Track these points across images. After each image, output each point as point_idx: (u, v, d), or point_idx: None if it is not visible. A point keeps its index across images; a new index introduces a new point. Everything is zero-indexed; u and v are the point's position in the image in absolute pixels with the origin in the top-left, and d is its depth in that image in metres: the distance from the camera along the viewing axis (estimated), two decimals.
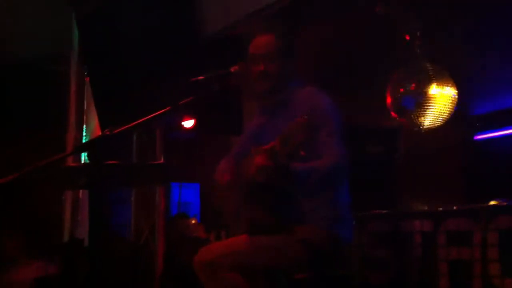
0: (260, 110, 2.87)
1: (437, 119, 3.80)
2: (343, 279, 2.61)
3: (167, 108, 2.78)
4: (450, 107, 3.82)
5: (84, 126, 5.00)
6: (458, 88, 3.91)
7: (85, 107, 5.03)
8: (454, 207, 3.16)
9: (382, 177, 4.21)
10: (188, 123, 5.80)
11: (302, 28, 3.69)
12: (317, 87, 2.69)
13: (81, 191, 4.69)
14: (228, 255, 2.53)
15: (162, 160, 4.36)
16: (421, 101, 3.76)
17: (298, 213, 2.54)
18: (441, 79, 3.80)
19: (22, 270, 3.86)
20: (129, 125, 2.79)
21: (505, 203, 3.10)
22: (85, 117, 5.01)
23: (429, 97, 3.76)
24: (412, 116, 3.79)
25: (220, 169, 2.86)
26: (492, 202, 3.28)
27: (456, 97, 3.83)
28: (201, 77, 2.75)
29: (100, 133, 4.79)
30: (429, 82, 3.77)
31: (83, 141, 4.93)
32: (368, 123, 4.40)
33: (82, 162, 4.27)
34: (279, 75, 2.69)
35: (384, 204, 3.73)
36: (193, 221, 5.39)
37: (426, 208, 3.58)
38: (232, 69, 2.72)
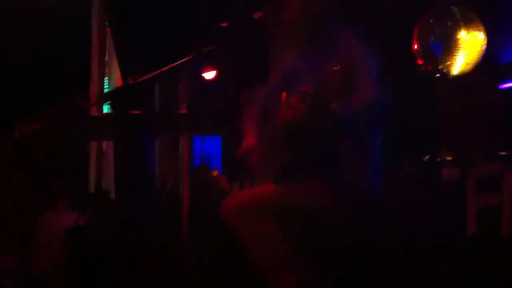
0: (294, 52, 2.81)
1: (466, 65, 3.71)
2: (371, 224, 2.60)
3: (190, 56, 2.74)
4: (479, 52, 3.73)
5: (107, 78, 4.98)
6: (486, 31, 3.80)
7: (107, 59, 5.01)
8: (483, 154, 3.12)
9: (413, 124, 4.14)
10: (209, 75, 5.77)
11: None
12: (351, 32, 2.63)
13: (104, 142, 4.70)
14: (256, 202, 2.52)
15: (185, 109, 4.34)
16: (449, 47, 3.67)
17: (329, 159, 2.51)
18: (470, 24, 3.69)
19: (53, 219, 3.91)
20: (152, 74, 2.77)
21: None
22: (107, 70, 5.00)
23: (457, 43, 3.66)
24: (440, 63, 3.70)
25: (246, 119, 2.83)
26: None
27: (485, 42, 3.73)
28: (224, 24, 2.70)
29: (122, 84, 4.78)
30: (457, 27, 3.66)
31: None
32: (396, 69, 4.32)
33: (105, 113, 4.26)
34: (315, 21, 2.62)
35: (413, 151, 3.70)
36: (215, 173, 5.41)
37: (454, 155, 3.53)
38: (256, 15, 2.67)
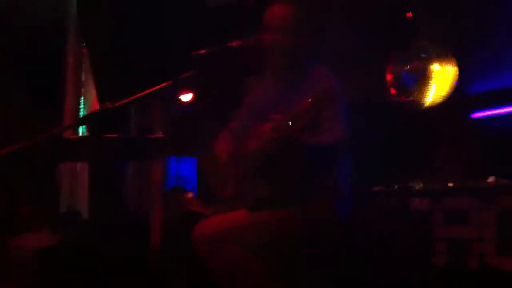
0: (267, 83, 2.86)
1: (438, 97, 3.80)
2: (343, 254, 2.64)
3: (168, 82, 2.77)
4: (451, 84, 3.83)
5: (82, 98, 4.97)
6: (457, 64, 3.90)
7: (83, 79, 5.00)
8: (451, 185, 3.19)
9: (383, 153, 4.21)
10: (186, 97, 5.80)
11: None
12: (326, 67, 2.69)
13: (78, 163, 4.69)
14: (228, 229, 2.54)
15: (160, 134, 4.36)
16: (421, 79, 3.76)
17: (300, 188, 2.56)
18: (442, 57, 3.79)
19: (25, 239, 3.87)
20: (130, 99, 2.78)
21: (505, 182, 3.12)
22: (82, 89, 4.98)
23: (429, 75, 3.76)
24: (413, 94, 3.79)
25: (219, 143, 2.86)
26: (490, 180, 3.29)
27: (457, 74, 3.83)
28: (202, 51, 2.74)
29: (97, 106, 4.78)
30: (430, 59, 3.76)
31: (80, 113, 4.91)
32: (369, 99, 4.40)
33: (80, 134, 4.25)
34: (293, 49, 2.67)
35: (383, 181, 3.75)
36: (189, 195, 5.39)
37: (422, 185, 3.59)
38: (234, 44, 2.71)
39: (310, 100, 2.14)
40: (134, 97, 2.78)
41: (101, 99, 4.53)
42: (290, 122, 2.19)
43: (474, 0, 4.08)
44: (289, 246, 2.54)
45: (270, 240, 2.51)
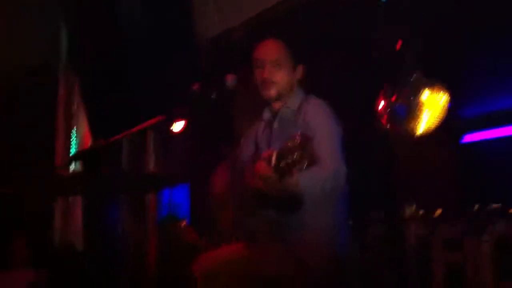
0: (263, 117, 2.85)
1: (430, 125, 3.81)
2: None
3: (161, 117, 2.77)
4: (442, 113, 3.84)
5: (74, 131, 4.95)
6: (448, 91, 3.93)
7: (74, 112, 4.98)
8: (447, 212, 3.20)
9: (374, 180, 4.22)
10: (178, 126, 5.79)
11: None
12: (321, 98, 2.69)
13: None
14: (226, 264, 2.54)
15: (152, 166, 4.37)
16: (412, 108, 3.77)
17: (295, 222, 2.55)
18: (433, 85, 3.81)
19: (15, 275, 3.84)
20: (123, 134, 2.78)
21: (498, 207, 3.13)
22: (73, 122, 4.96)
23: (420, 104, 3.77)
24: (404, 123, 3.79)
25: (217, 177, 2.86)
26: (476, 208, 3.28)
27: (448, 102, 3.85)
28: (196, 86, 2.75)
29: (89, 139, 4.76)
30: (420, 88, 3.78)
31: (72, 147, 4.88)
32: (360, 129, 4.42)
33: (72, 169, 4.23)
34: (284, 83, 2.69)
35: (377, 208, 3.76)
36: (183, 224, 5.37)
37: (418, 212, 3.60)
38: (228, 78, 2.72)
39: (298, 138, 2.12)
40: (128, 132, 2.78)
41: (93, 132, 4.52)
42: (278, 161, 2.16)
43: (461, 25, 4.12)
44: (285, 280, 2.52)
45: (266, 276, 2.50)
